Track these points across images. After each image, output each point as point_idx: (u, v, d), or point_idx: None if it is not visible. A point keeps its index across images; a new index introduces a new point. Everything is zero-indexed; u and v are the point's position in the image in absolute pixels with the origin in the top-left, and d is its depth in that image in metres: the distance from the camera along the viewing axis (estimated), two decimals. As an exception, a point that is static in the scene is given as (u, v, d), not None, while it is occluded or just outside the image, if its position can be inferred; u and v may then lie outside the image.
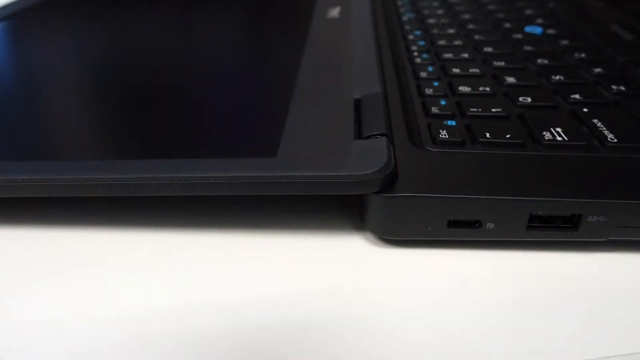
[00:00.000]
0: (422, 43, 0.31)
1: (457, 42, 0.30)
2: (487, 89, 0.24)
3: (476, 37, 0.31)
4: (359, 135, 0.20)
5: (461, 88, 0.24)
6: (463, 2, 0.39)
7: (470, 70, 0.26)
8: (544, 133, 0.20)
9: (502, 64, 0.27)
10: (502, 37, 0.31)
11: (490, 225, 0.18)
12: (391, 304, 0.17)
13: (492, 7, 0.37)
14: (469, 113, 0.22)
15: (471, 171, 0.18)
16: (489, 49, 0.29)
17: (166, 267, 0.18)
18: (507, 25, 0.33)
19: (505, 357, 0.15)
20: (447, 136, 0.20)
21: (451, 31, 0.32)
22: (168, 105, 0.23)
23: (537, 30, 0.32)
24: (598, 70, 0.26)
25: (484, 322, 0.16)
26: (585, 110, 0.22)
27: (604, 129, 0.21)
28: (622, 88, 0.24)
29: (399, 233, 0.18)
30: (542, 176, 0.18)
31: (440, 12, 0.37)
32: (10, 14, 0.38)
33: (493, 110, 0.22)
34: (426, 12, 0.37)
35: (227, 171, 0.17)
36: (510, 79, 0.25)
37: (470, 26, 0.33)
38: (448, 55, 0.28)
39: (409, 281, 0.17)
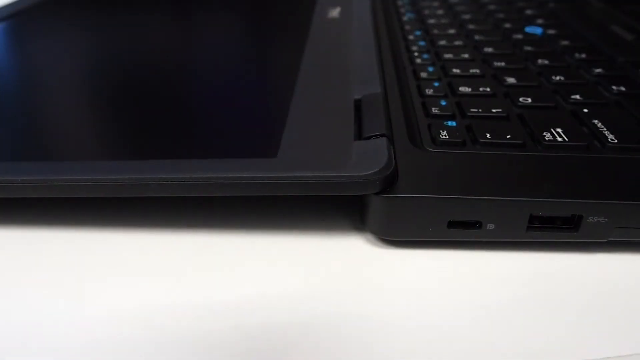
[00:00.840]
0: (422, 43, 0.31)
1: (457, 43, 0.30)
2: (488, 89, 0.24)
3: (476, 37, 0.31)
4: (359, 135, 0.20)
5: (461, 88, 0.24)
6: (463, 2, 0.39)
7: (471, 71, 0.26)
8: (544, 133, 0.20)
9: (503, 64, 0.27)
10: (502, 37, 0.31)
11: (490, 226, 0.18)
12: (391, 304, 0.17)
13: (492, 7, 0.37)
14: (469, 113, 0.22)
15: (472, 172, 0.18)
16: (489, 50, 0.29)
17: (165, 267, 0.18)
18: (508, 25, 0.33)
19: (505, 357, 0.15)
20: (447, 137, 0.20)
21: (451, 31, 0.32)
22: (168, 106, 0.23)
23: (538, 30, 0.32)
24: (598, 70, 0.26)
25: (484, 323, 0.16)
26: (585, 110, 0.22)
27: (604, 129, 0.21)
28: (622, 88, 0.24)
29: (399, 234, 0.18)
30: (543, 177, 0.18)
31: (440, 12, 0.37)
32: (11, 14, 0.38)
33: (493, 110, 0.22)
34: (426, 12, 0.37)
35: (227, 172, 0.17)
36: (511, 80, 0.25)
37: (471, 26, 0.33)
38: (448, 56, 0.28)
39: (409, 282, 0.17)
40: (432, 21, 0.35)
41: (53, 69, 0.28)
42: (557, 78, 0.25)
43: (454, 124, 0.21)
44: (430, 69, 0.27)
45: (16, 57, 0.31)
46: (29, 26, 0.36)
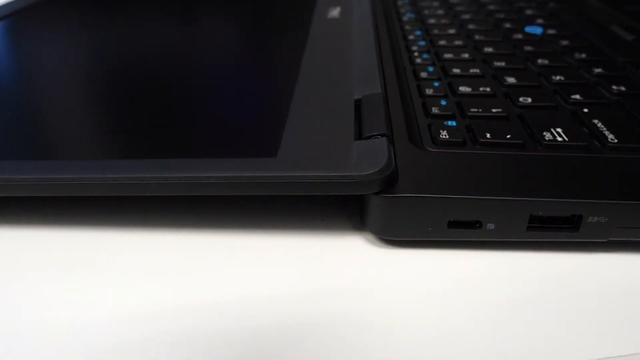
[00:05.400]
0: (422, 43, 0.31)
1: (457, 43, 0.30)
2: (488, 89, 0.24)
3: (476, 37, 0.31)
4: (359, 135, 0.20)
5: (461, 88, 0.24)
6: (463, 2, 0.39)
7: (471, 71, 0.26)
8: (545, 133, 0.20)
9: (503, 64, 0.27)
10: (502, 37, 0.31)
11: (490, 226, 0.18)
12: (391, 304, 0.17)
13: (492, 7, 0.37)
14: (469, 113, 0.22)
15: (472, 171, 0.18)
16: (489, 49, 0.29)
17: (165, 267, 0.18)
18: (508, 25, 0.33)
19: (505, 357, 0.15)
20: (447, 136, 0.20)
21: (451, 31, 0.32)
22: (169, 105, 0.23)
23: (538, 30, 0.32)
24: (598, 70, 0.26)
25: (484, 323, 0.16)
26: (585, 110, 0.22)
27: (605, 129, 0.21)
28: (623, 88, 0.24)
29: (399, 233, 0.18)
30: (543, 177, 0.18)
31: (440, 12, 0.37)
32: (10, 12, 0.38)
33: (493, 110, 0.22)
34: (426, 12, 0.37)
35: (227, 171, 0.17)
36: (511, 79, 0.25)
37: (471, 26, 0.33)
38: (448, 56, 0.28)
39: (409, 281, 0.17)
40: (432, 21, 0.35)
41: (53, 68, 0.28)
42: (557, 78, 0.25)
43: (454, 123, 0.21)
44: (430, 69, 0.27)
45: (15, 56, 0.31)
46: (29, 25, 0.36)
